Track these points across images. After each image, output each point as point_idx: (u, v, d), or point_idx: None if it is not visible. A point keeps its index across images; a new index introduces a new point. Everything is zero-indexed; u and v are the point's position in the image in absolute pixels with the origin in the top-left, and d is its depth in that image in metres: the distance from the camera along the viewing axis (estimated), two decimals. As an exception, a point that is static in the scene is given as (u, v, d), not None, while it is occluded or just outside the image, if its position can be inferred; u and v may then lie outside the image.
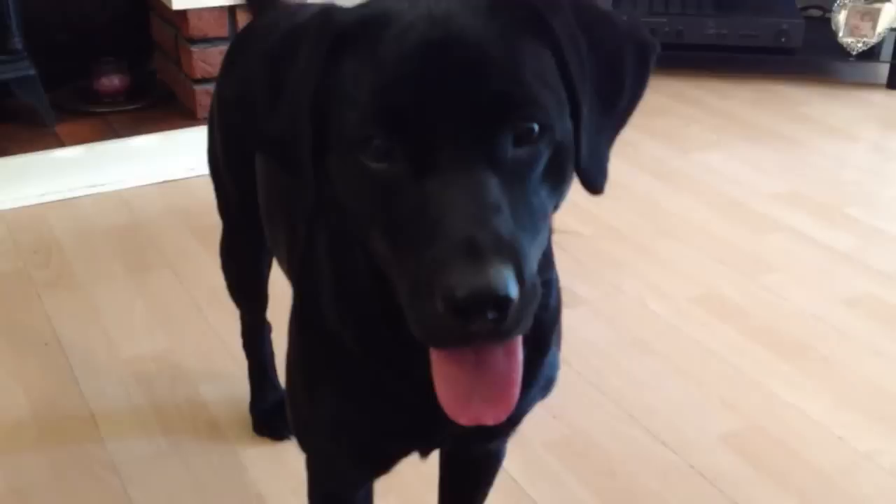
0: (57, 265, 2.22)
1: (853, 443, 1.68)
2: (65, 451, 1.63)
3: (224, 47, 2.68)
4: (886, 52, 3.37)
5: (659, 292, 2.13)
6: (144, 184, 2.60)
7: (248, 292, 1.59)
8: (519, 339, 0.77)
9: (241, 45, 1.41)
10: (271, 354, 1.68)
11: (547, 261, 0.90)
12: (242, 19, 2.67)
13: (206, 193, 2.48)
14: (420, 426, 0.95)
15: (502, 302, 0.67)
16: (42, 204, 2.49)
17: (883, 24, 3.26)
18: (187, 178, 2.61)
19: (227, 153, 1.39)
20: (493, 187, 0.72)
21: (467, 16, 0.75)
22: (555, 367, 1.03)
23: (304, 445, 1.07)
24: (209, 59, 2.69)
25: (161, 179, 2.62)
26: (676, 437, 1.68)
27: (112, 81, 2.83)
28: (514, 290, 0.68)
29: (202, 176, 2.57)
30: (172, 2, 2.58)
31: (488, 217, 0.70)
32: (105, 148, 2.61)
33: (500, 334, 0.70)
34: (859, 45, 3.30)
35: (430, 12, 0.75)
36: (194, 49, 2.67)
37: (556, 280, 0.99)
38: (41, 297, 2.08)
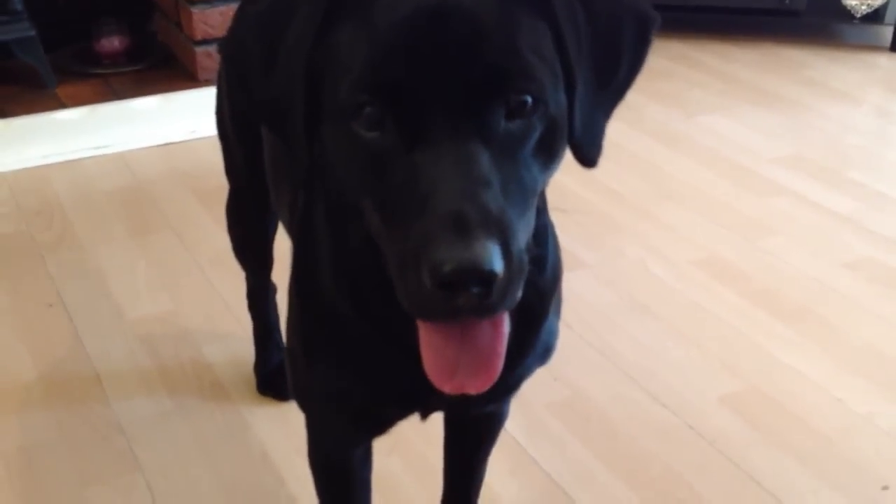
0: (59, 227, 2.22)
1: (852, 405, 1.69)
2: (71, 412, 1.65)
3: (224, 8, 2.66)
4: (891, 15, 3.34)
5: (660, 256, 2.14)
6: (146, 146, 2.60)
7: (253, 254, 1.59)
8: (505, 314, 0.77)
9: (245, 4, 1.40)
10: (276, 316, 1.69)
11: (540, 234, 0.90)
12: (243, -20, 2.66)
13: (208, 155, 2.48)
14: (415, 392, 0.95)
15: (487, 277, 0.67)
16: (44, 166, 2.50)
17: (888, -13, 3.24)
18: (189, 140, 2.61)
19: (233, 114, 1.39)
20: (484, 161, 0.71)
21: None
22: (553, 334, 1.03)
23: (303, 408, 1.08)
24: (210, 21, 2.67)
25: (162, 141, 2.61)
26: (676, 399, 1.69)
27: (112, 43, 2.82)
28: (499, 266, 0.68)
29: (203, 138, 2.59)
30: (173, -38, 2.58)
31: (477, 191, 0.69)
32: (106, 110, 2.61)
33: (486, 309, 0.70)
34: (864, 7, 3.28)
35: None
36: (195, 10, 2.65)
37: (556, 249, 0.99)
38: (44, 258, 2.09)
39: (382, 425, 1.06)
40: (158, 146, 2.60)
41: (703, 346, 1.84)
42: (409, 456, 1.54)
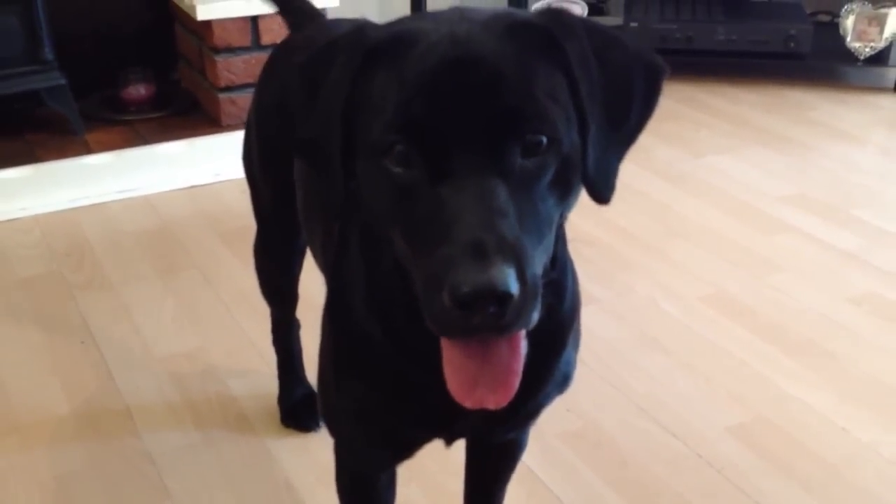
0: (89, 267, 2.30)
1: (856, 434, 1.74)
2: (103, 443, 1.71)
3: (247, 57, 2.77)
4: (895, 57, 3.41)
5: (670, 292, 2.20)
6: (171, 189, 2.68)
7: (279, 291, 1.65)
8: (521, 334, 0.84)
9: (280, 57, 1.48)
10: (299, 350, 1.75)
11: (558, 264, 0.96)
12: (265, 29, 2.76)
13: (232, 198, 2.57)
14: (441, 416, 1.01)
15: (502, 298, 0.74)
16: (73, 209, 2.58)
17: (890, 29, 3.31)
18: (212, 183, 2.70)
19: (263, 157, 1.46)
20: (501, 194, 0.78)
21: (487, 37, 0.82)
22: (570, 364, 1.09)
23: (332, 430, 1.14)
24: (233, 68, 2.77)
25: (187, 184, 2.70)
26: (685, 429, 1.75)
27: (139, 90, 2.92)
28: (514, 288, 0.74)
29: (227, 181, 2.68)
30: (197, 13, 2.67)
31: (495, 221, 0.76)
32: (133, 154, 2.69)
33: (501, 328, 0.77)
34: (867, 49, 3.36)
35: (452, 33, 0.83)
36: (218, 59, 2.75)
37: (574, 283, 1.05)
38: (75, 297, 2.17)
39: (408, 448, 1.11)
40: (183, 189, 2.69)
41: (712, 378, 1.90)
42: (428, 484, 1.59)
